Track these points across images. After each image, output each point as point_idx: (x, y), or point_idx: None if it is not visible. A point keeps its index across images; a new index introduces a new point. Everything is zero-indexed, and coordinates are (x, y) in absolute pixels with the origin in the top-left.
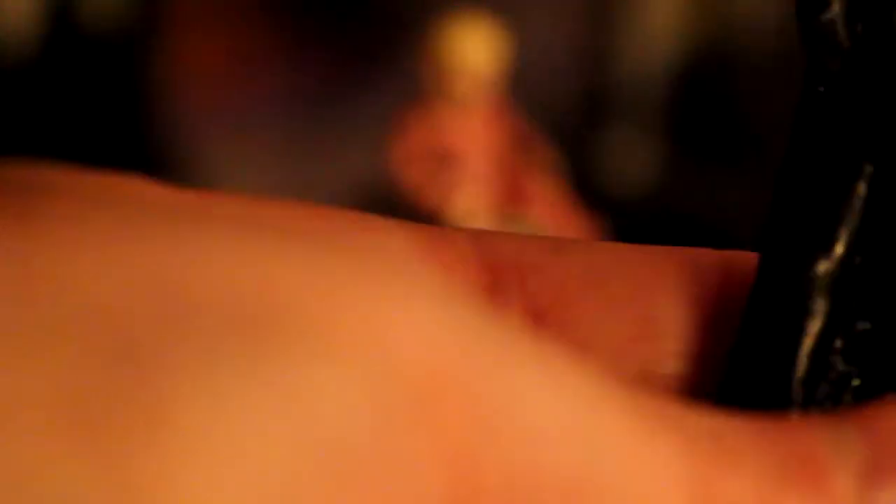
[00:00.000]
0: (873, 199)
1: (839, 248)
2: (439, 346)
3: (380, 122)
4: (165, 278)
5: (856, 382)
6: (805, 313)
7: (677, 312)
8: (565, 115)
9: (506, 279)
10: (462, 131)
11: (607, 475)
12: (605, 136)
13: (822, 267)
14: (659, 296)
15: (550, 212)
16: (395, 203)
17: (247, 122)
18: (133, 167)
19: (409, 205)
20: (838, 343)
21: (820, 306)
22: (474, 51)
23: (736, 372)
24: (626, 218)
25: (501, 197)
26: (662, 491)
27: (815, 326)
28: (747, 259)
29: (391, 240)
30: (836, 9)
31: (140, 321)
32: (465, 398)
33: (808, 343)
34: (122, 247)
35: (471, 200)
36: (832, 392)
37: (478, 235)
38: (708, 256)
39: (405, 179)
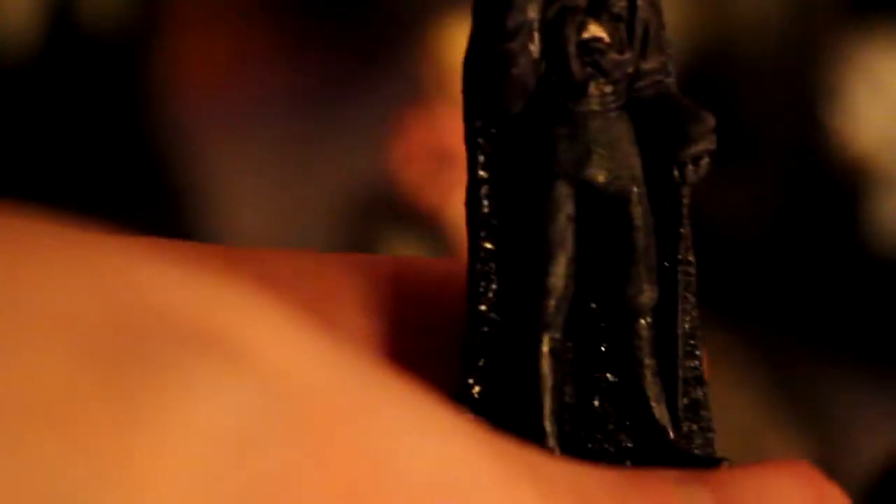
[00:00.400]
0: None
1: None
2: (333, 382)
3: (380, 122)
4: (124, 294)
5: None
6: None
7: (359, 320)
8: None
9: None
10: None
11: None
12: None
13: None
14: (340, 304)
15: None
16: (395, 203)
17: (247, 122)
18: (133, 167)
19: (409, 205)
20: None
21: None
22: None
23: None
24: None
25: None
26: None
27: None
28: (421, 264)
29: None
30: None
31: (107, 329)
32: (354, 439)
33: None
34: (85, 269)
35: None
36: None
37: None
38: (382, 263)
39: (405, 179)
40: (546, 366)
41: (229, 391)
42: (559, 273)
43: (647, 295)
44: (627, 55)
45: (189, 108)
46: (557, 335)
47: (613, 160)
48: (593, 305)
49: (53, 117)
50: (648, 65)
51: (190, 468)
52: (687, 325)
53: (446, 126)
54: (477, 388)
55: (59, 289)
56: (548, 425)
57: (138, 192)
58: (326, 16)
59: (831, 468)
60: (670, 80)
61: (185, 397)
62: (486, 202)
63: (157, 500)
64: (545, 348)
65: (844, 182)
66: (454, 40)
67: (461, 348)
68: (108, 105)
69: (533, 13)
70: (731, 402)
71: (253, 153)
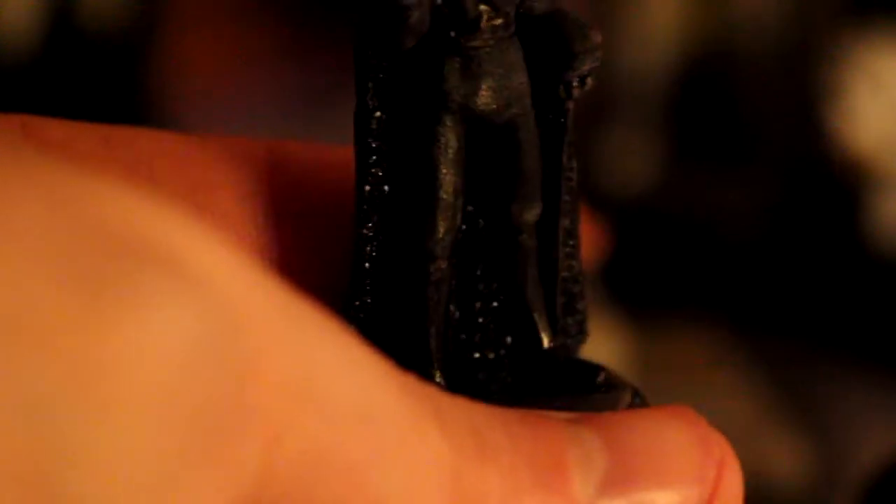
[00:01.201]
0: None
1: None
2: (268, 304)
3: None
4: (83, 213)
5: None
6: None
7: (239, 207)
8: None
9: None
10: None
11: (387, 461)
12: (606, 136)
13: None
14: (216, 191)
15: None
16: None
17: (247, 123)
18: None
19: None
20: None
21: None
22: None
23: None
24: (627, 218)
25: None
26: (425, 478)
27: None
28: (295, 149)
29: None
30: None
31: (70, 247)
32: (281, 373)
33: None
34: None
35: None
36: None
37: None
38: (257, 147)
39: None
40: (432, 292)
41: (184, 312)
42: (447, 204)
43: (533, 212)
44: None
45: (189, 108)
46: (444, 264)
47: (504, 90)
48: (480, 222)
49: (53, 117)
50: None
51: (147, 383)
52: (568, 224)
53: None
54: (364, 310)
55: (20, 208)
56: (433, 349)
57: None
58: (327, 16)
59: (831, 468)
60: None
61: (144, 317)
62: (374, 129)
63: (120, 410)
64: (433, 277)
65: (844, 182)
66: None
67: (350, 269)
68: (108, 105)
69: None
70: (731, 402)
71: None
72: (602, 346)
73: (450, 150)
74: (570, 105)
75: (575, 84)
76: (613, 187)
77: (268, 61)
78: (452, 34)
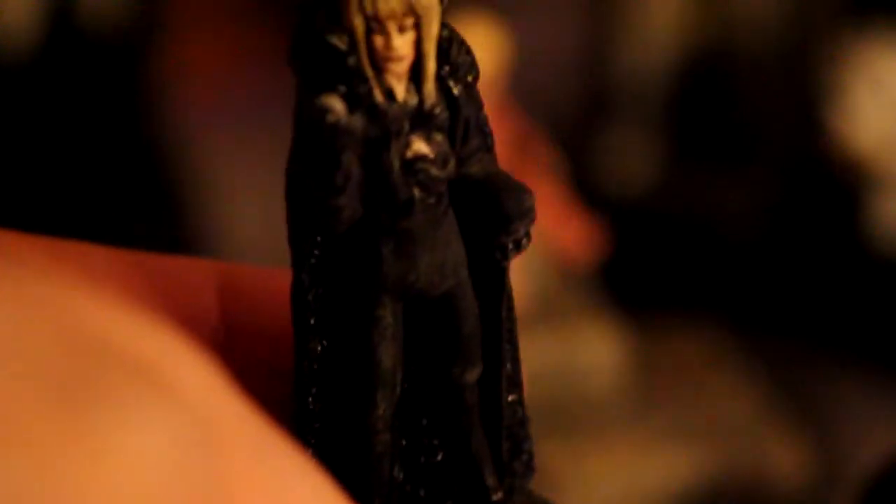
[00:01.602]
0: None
1: None
2: (240, 412)
3: None
4: (65, 322)
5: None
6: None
7: (190, 326)
8: (566, 115)
9: None
10: None
11: None
12: (606, 136)
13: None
14: (162, 309)
15: (551, 212)
16: None
17: (247, 123)
18: (133, 167)
19: None
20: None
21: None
22: (475, 51)
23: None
24: (626, 218)
25: None
26: None
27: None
28: (247, 273)
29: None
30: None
31: (53, 355)
32: (255, 469)
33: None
34: (38, 300)
35: None
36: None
37: None
38: (207, 269)
39: None
40: (375, 464)
41: (160, 420)
42: (386, 381)
43: (474, 373)
44: (451, 166)
45: (189, 108)
46: (386, 436)
47: (439, 265)
48: (421, 381)
49: (53, 118)
50: (470, 147)
51: (126, 489)
52: (509, 370)
53: None
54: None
55: (7, 317)
56: None
57: (138, 192)
58: None
59: (831, 468)
60: (490, 155)
61: (123, 424)
62: (312, 304)
63: None
64: (376, 450)
65: (844, 182)
66: None
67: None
68: (107, 105)
69: (356, 167)
70: (731, 403)
71: (253, 153)
72: (602, 346)
73: (387, 329)
74: (507, 266)
75: (511, 247)
76: (613, 187)
77: (268, 61)
78: (385, 216)
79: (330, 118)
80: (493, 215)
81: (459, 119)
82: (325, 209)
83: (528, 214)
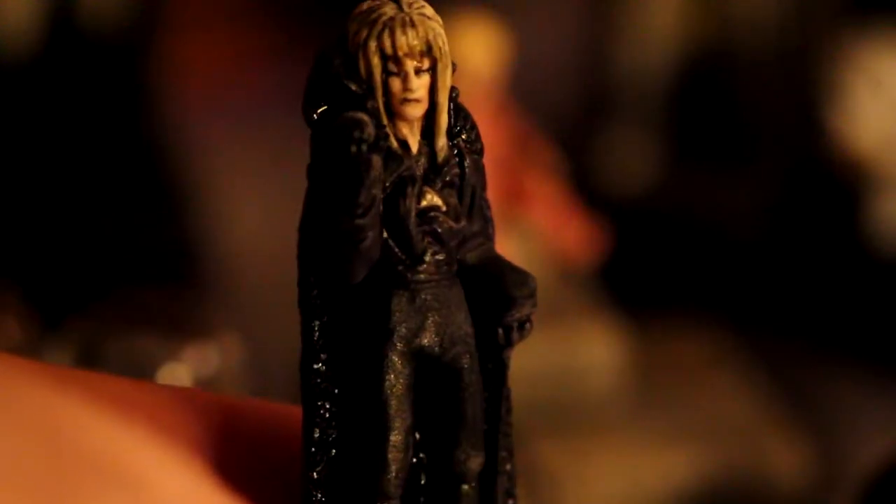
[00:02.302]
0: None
1: None
2: None
3: None
4: (50, 432)
5: None
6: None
7: (191, 457)
8: (566, 115)
9: None
10: None
11: None
12: (606, 136)
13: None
14: (172, 440)
15: (551, 212)
16: None
17: (247, 123)
18: (133, 167)
19: None
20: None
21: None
22: (475, 51)
23: None
24: (626, 218)
25: (502, 197)
26: None
27: None
28: (248, 405)
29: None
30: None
31: (38, 465)
32: None
33: None
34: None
35: None
36: None
37: None
38: (216, 401)
39: None
40: None
41: None
42: (399, 442)
43: (475, 461)
44: (462, 222)
45: (189, 108)
46: (396, 503)
47: (448, 327)
48: (423, 459)
49: (53, 118)
50: (473, 228)
51: None
52: (506, 484)
53: None
54: None
55: (4, 438)
56: None
57: (138, 192)
58: (326, 16)
59: (831, 468)
60: (490, 244)
61: None
62: (322, 368)
63: None
64: None
65: (844, 182)
66: (455, 41)
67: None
68: (107, 105)
69: (378, 190)
70: (731, 403)
71: (253, 153)
72: (602, 346)
73: (399, 388)
74: (509, 353)
75: (515, 328)
76: (613, 187)
77: (268, 61)
78: (398, 268)
79: (358, 133)
80: (496, 296)
81: (466, 185)
82: (348, 233)
83: (531, 296)
